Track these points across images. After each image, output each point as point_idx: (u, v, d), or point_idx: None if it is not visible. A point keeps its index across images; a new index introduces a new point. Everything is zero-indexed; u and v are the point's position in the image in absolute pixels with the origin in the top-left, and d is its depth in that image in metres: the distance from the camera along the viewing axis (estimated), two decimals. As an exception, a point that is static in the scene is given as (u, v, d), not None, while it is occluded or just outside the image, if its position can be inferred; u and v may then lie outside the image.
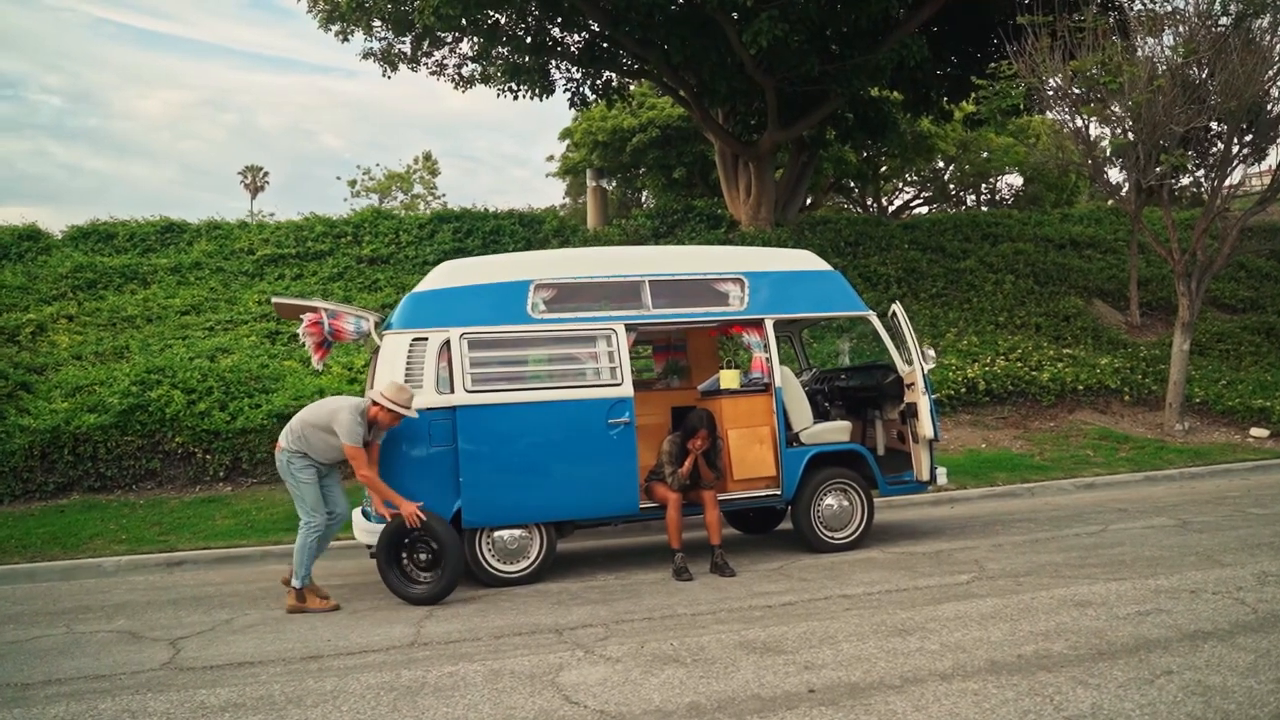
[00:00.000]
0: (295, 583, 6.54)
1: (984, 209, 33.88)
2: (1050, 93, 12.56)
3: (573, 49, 18.95)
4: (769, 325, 7.72)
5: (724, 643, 5.11)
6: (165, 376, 11.63)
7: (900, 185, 39.35)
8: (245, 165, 60.01)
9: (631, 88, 29.29)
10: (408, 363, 6.98)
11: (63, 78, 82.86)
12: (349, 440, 6.40)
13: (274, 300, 7.68)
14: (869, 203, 37.55)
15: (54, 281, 16.21)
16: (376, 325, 7.31)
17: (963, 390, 13.37)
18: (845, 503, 7.82)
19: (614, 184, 33.67)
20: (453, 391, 6.96)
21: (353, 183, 48.02)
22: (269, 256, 17.65)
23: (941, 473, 8.16)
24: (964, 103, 20.99)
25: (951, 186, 39.17)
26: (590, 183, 22.95)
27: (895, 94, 20.85)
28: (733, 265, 7.86)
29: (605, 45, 18.67)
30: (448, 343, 7.04)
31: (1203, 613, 5.22)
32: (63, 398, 11.50)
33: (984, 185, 39.28)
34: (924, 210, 37.17)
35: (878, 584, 6.42)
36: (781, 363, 7.92)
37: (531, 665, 4.89)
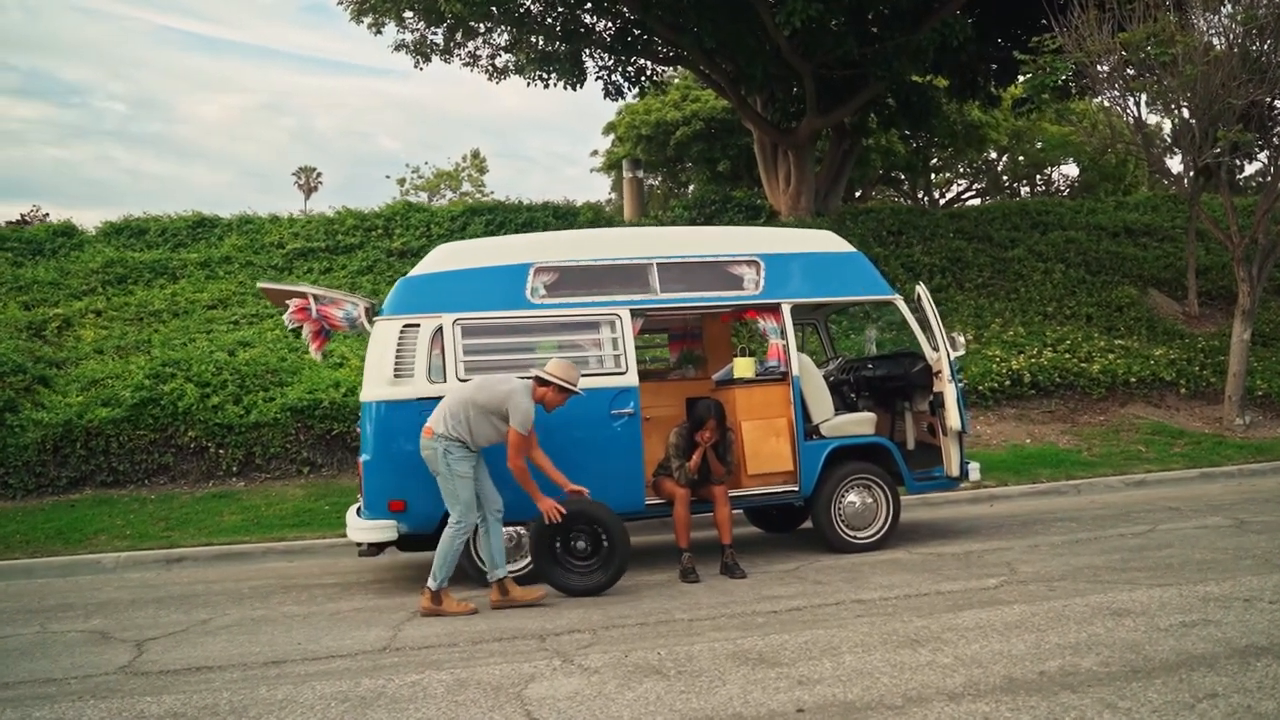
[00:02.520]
0: (432, 584, 5.86)
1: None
2: (1102, 72, 11.85)
3: (604, 36, 18.52)
4: (786, 310, 7.22)
5: (716, 652, 4.65)
6: (180, 370, 11.42)
7: (952, 177, 38.39)
8: (299, 166, 60.46)
9: (675, 80, 28.86)
10: (398, 350, 6.61)
11: (126, 84, 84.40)
12: (523, 427, 5.93)
13: (260, 286, 7.37)
14: (919, 196, 36.64)
15: (85, 277, 16.16)
16: (368, 311, 6.95)
17: (1007, 383, 12.70)
18: (869, 500, 7.30)
19: (659, 178, 33.25)
20: (445, 381, 6.59)
21: (401, 181, 48.01)
22: (298, 250, 17.46)
23: (974, 468, 7.61)
24: (1012, 87, 20.22)
25: (1005, 178, 38.12)
26: (626, 174, 22.51)
27: (940, 79, 20.16)
28: (748, 246, 7.38)
29: (637, 32, 18.22)
30: (441, 329, 6.66)
31: (1257, 625, 4.64)
32: (78, 392, 11.36)
33: (1038, 177, 38.17)
34: (976, 203, 36.17)
35: (897, 588, 5.91)
36: (807, 351, 7.43)
37: (501, 675, 4.47)
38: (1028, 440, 11.78)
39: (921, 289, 7.48)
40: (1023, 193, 37.86)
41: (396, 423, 6.54)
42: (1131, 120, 12.39)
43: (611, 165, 34.10)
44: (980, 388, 12.60)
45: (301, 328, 6.92)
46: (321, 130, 74.14)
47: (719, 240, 7.47)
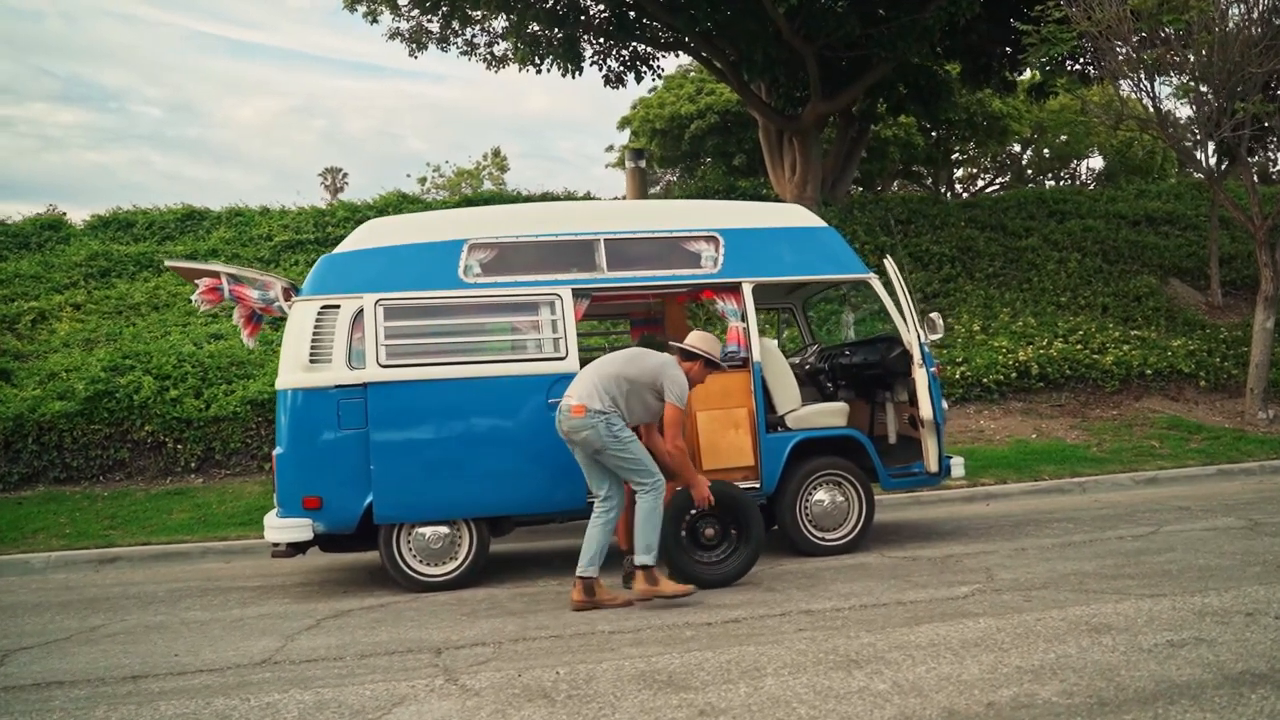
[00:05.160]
0: (649, 559, 5.32)
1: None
2: (1119, 50, 11.05)
3: (599, 19, 17.90)
4: (747, 290, 6.57)
5: (622, 672, 4.03)
6: (139, 362, 10.95)
7: (976, 172, 37.41)
8: (325, 167, 60.13)
9: (690, 74, 28.16)
10: (315, 334, 6.05)
11: (162, 89, 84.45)
12: (683, 402, 5.48)
13: (168, 264, 6.83)
14: (942, 190, 35.70)
15: (68, 270, 15.77)
16: (286, 292, 6.39)
17: (1013, 375, 11.97)
18: (839, 498, 6.63)
19: (676, 173, 32.64)
20: (365, 367, 6.02)
21: (422, 180, 47.66)
22: (286, 242, 17.00)
23: (957, 463, 6.95)
24: (1028, 73, 19.40)
25: (1029, 171, 37.09)
26: (629, 164, 21.87)
27: (953, 66, 19.43)
28: (705, 221, 6.73)
29: (633, 15, 17.60)
30: (362, 311, 6.09)
31: (1257, 645, 3.95)
32: (36, 385, 10.91)
33: (1064, 170, 37.11)
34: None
35: (855, 597, 5.26)
36: (784, 339, 6.79)
37: (369, 696, 3.88)
38: (1033, 435, 11.05)
39: (889, 264, 6.79)
40: (1047, 186, 36.81)
41: (312, 412, 5.99)
42: (1146, 98, 11.63)
43: (625, 160, 33.46)
44: (985, 380, 11.90)
45: (214, 309, 6.37)
46: (353, 132, 73.80)
47: (674, 214, 6.85)
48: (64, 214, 18.99)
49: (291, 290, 6.38)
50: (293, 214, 18.26)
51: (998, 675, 3.73)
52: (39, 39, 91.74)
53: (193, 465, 10.31)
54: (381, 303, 6.10)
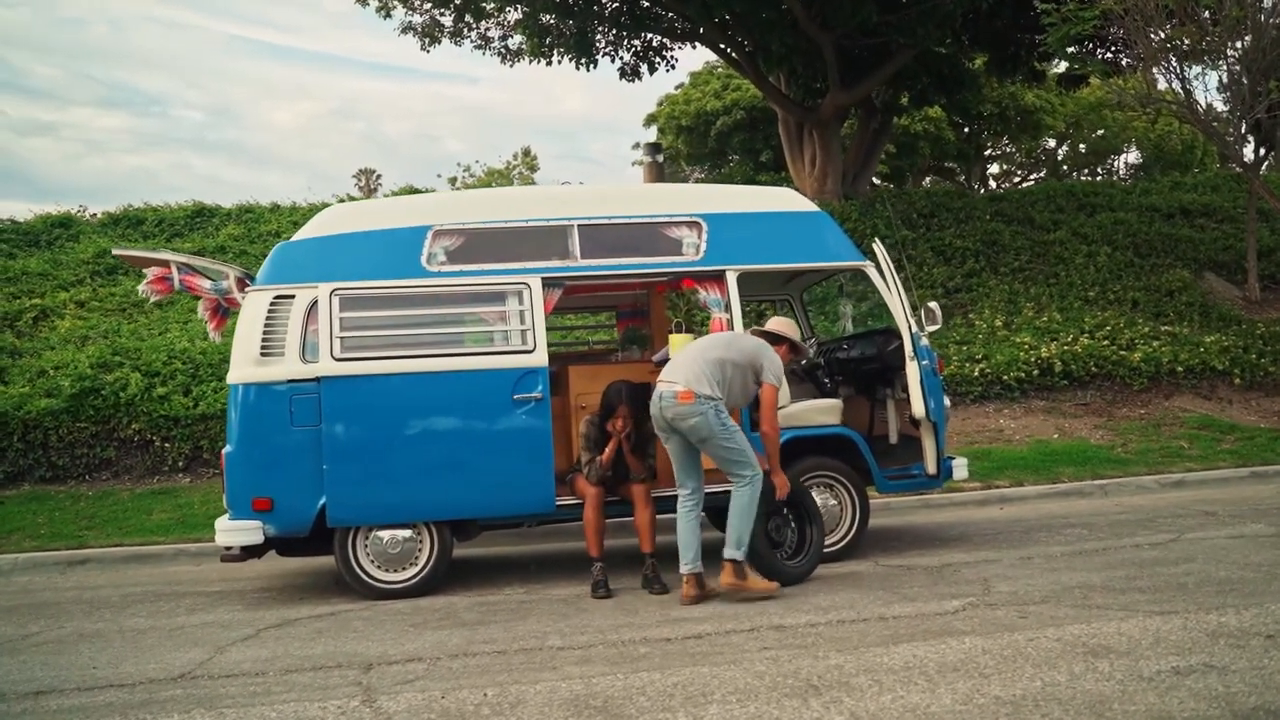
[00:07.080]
0: (737, 554, 5.12)
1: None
2: (1153, 36, 10.48)
3: (611, 10, 17.50)
4: (731, 279, 6.13)
5: (556, 695, 3.62)
6: (128, 358, 10.72)
7: (1011, 169, 36.59)
8: (360, 168, 60.21)
9: (717, 69, 27.73)
10: (267, 325, 5.71)
11: (202, 94, 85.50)
12: (779, 383, 5.41)
13: (116, 252, 6.54)
14: (974, 186, 34.94)
15: (75, 268, 15.64)
16: (240, 282, 6.06)
17: (1035, 372, 11.42)
18: (830, 501, 6.17)
19: (704, 171, 32.26)
20: (319, 361, 5.66)
21: (453, 180, 47.54)
22: (294, 238, 16.79)
23: (959, 464, 6.49)
24: (1062, 64, 18.77)
25: (1064, 167, 36.21)
26: (645, 158, 21.50)
27: (979, 57, 18.85)
28: (687, 206, 6.30)
29: (646, 5, 17.19)
30: (317, 302, 5.73)
31: (1275, 674, 3.45)
32: (25, 382, 10.70)
33: (1100, 167, 36.18)
34: (1033, 193, 34.29)
35: (834, 610, 4.81)
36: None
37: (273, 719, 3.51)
38: (1055, 435, 10.50)
39: (878, 248, 6.29)
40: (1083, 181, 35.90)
41: (263, 408, 5.65)
42: (1177, 82, 11.04)
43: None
44: (1005, 377, 11.38)
45: (162, 299, 6.07)
46: (391, 134, 74.25)
47: (654, 198, 6.43)
48: (94, 214, 18.84)
49: (245, 280, 6.05)
50: (303, 210, 18.02)
51: (971, 707, 3.27)
52: (84, 45, 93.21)
53: (180, 464, 10.05)
54: (337, 293, 5.75)
